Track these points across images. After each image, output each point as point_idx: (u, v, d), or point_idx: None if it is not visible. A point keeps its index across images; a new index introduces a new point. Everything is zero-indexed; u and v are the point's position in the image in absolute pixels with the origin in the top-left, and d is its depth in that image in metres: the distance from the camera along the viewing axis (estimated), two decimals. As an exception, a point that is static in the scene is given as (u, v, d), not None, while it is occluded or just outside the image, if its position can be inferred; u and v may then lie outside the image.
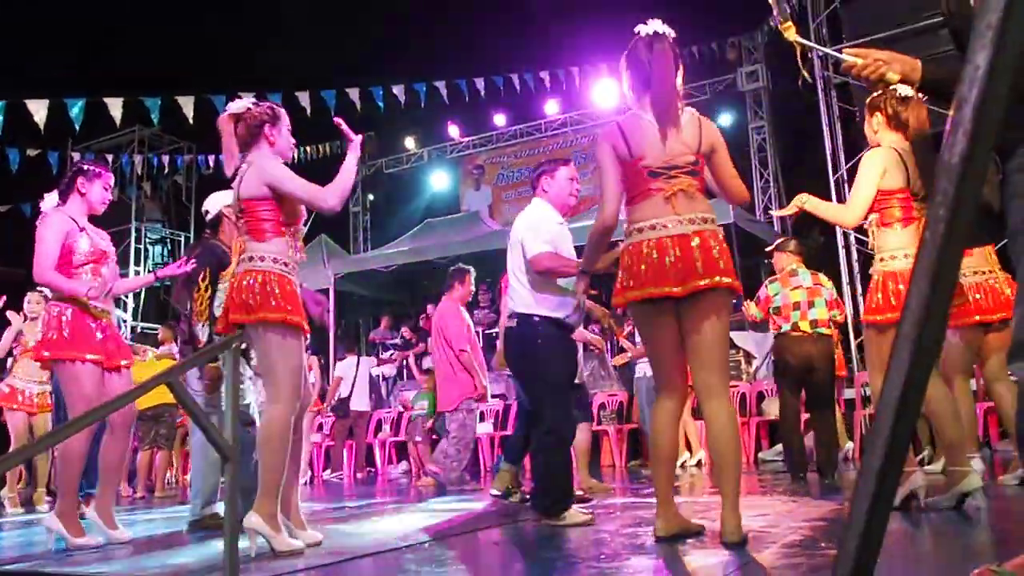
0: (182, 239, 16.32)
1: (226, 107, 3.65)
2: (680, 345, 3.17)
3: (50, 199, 4.45)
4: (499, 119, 16.51)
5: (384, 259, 13.17)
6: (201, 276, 4.64)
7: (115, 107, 10.54)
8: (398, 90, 12.23)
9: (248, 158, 3.55)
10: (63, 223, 4.25)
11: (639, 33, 3.27)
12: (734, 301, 3.46)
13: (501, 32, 18.39)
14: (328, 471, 10.55)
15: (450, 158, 17.24)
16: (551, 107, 15.93)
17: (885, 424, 0.96)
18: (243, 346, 3.54)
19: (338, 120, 3.65)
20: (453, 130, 16.93)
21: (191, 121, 10.91)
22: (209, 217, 5.03)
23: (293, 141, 3.73)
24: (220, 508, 4.84)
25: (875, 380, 3.91)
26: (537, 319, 4.11)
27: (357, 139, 3.65)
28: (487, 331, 12.63)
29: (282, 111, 3.70)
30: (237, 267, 3.50)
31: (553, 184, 4.37)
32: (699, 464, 8.13)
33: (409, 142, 17.46)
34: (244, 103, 3.65)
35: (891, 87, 3.05)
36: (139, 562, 3.60)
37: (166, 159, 15.90)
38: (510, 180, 16.62)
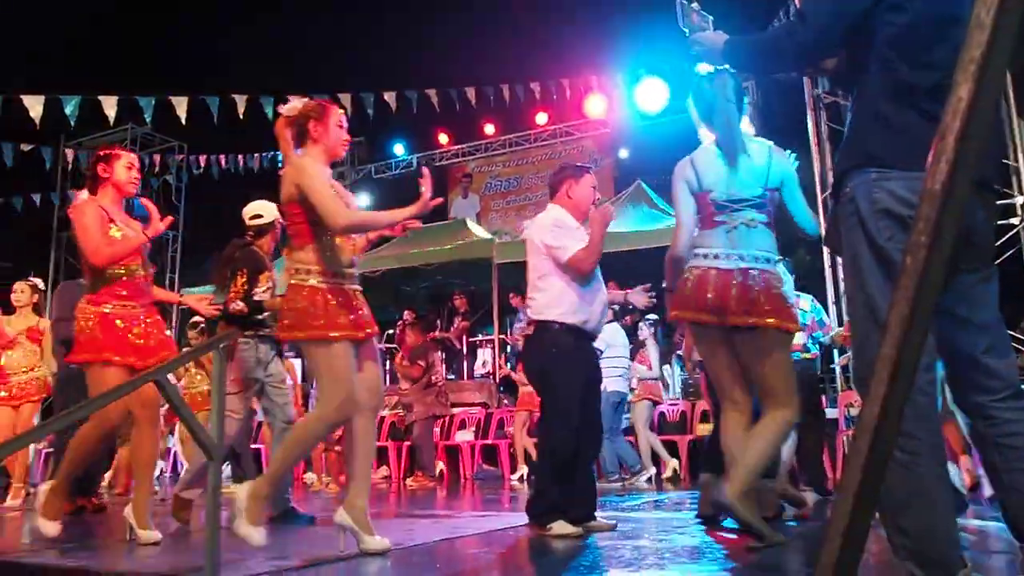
0: (170, 238, 16.21)
1: (277, 109, 3.60)
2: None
3: (81, 196, 4.36)
4: (489, 128, 16.56)
5: (370, 264, 13.16)
6: (240, 272, 4.80)
7: (109, 105, 10.55)
8: (389, 97, 12.27)
9: (292, 158, 3.49)
10: (96, 211, 4.07)
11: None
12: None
13: (492, 42, 18.47)
14: (309, 473, 10.49)
15: (438, 165, 17.27)
16: (540, 118, 15.99)
17: (864, 443, 0.99)
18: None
19: (425, 174, 3.51)
20: (442, 138, 16.98)
21: (184, 121, 10.94)
22: (261, 222, 5.05)
23: (346, 137, 3.63)
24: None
25: None
26: (554, 326, 4.05)
27: (422, 202, 3.48)
28: (471, 339, 12.63)
29: (332, 107, 3.60)
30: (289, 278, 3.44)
31: (577, 190, 4.27)
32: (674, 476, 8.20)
33: (398, 148, 17.48)
34: (295, 104, 3.56)
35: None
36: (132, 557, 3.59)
37: (157, 158, 15.87)
38: (498, 188, 16.67)
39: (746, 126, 3.60)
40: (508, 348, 11.62)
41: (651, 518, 4.83)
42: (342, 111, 3.64)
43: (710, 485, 4.27)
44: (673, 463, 8.35)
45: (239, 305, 4.78)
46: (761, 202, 3.42)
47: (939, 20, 1.90)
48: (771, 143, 3.59)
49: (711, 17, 2.81)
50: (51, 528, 3.94)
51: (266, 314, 4.88)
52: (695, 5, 2.82)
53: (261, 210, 5.10)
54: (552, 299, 4.07)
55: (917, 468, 1.81)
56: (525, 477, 8.92)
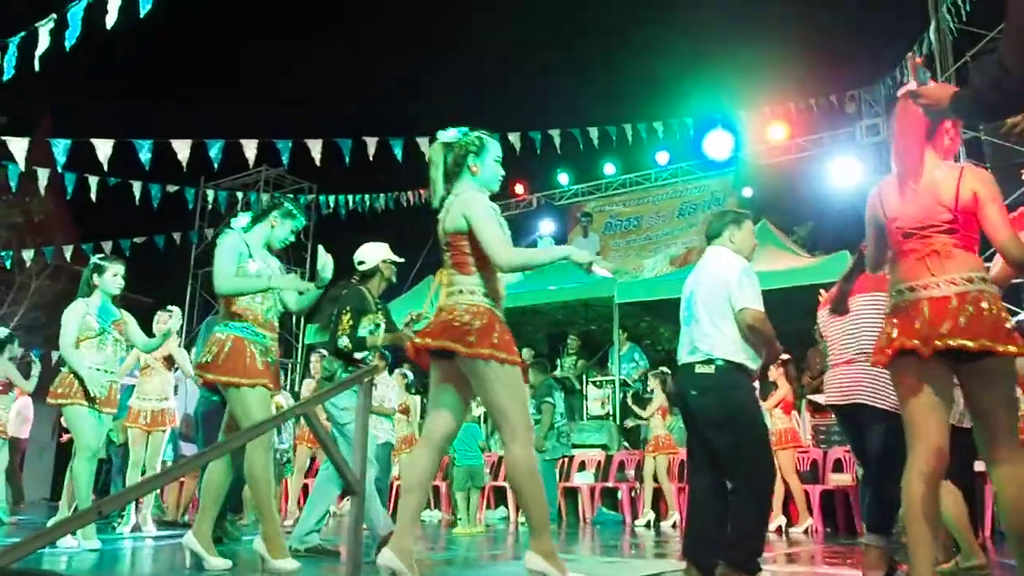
0: (297, 274, 16.76)
1: (436, 136, 3.58)
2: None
3: (241, 217, 4.56)
4: (609, 168, 16.57)
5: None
6: (344, 311, 5.01)
7: (249, 148, 11.11)
8: (514, 138, 12.41)
9: (455, 189, 3.52)
10: (237, 245, 4.31)
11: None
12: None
13: (614, 82, 18.55)
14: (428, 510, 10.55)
15: (558, 205, 17.34)
16: (661, 157, 15.91)
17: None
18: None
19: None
20: (563, 177, 17.08)
21: (318, 163, 11.39)
22: (365, 267, 5.27)
23: (502, 172, 3.68)
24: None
25: None
26: (743, 367, 3.99)
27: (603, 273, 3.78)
28: (589, 379, 12.47)
29: (491, 141, 3.66)
30: (446, 300, 3.44)
31: (740, 235, 4.26)
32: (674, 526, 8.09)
33: (519, 187, 17.65)
34: (455, 132, 3.58)
35: None
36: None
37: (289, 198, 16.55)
38: (618, 229, 16.59)
39: None
40: (627, 389, 11.47)
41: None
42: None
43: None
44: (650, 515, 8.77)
45: (345, 342, 4.99)
46: None
47: None
48: None
49: (930, 72, 2.85)
50: (219, 563, 4.05)
51: (365, 352, 5.07)
52: (919, 60, 2.84)
53: (363, 256, 5.31)
54: (739, 341, 3.99)
55: None
56: (653, 522, 8.91)
